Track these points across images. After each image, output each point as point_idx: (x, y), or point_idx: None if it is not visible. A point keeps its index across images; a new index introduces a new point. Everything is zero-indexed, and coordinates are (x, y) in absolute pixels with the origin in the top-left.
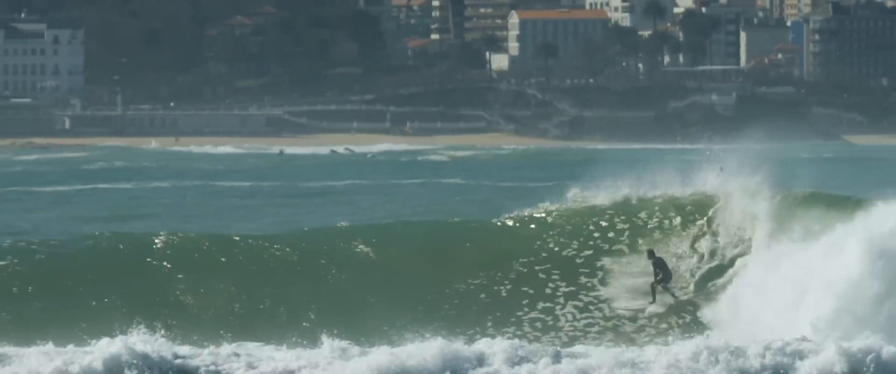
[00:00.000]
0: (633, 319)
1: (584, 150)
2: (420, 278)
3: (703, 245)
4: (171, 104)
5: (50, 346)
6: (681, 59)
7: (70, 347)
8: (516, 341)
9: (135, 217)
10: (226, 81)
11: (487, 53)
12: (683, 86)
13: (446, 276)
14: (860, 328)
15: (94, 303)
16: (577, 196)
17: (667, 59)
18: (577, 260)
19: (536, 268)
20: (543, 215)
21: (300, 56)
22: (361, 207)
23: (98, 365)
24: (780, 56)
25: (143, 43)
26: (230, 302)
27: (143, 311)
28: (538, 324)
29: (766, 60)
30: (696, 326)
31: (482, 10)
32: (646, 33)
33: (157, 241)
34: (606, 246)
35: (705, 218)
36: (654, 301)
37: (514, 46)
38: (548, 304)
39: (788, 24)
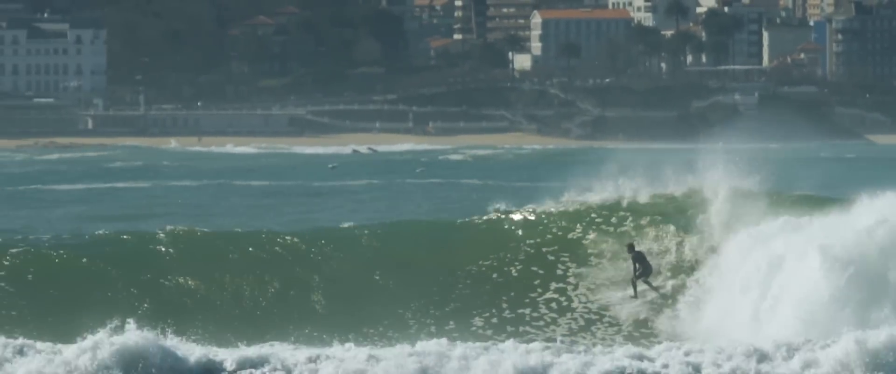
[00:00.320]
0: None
1: (605, 150)
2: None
3: (674, 246)
4: (198, 104)
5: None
6: (703, 58)
7: (79, 341)
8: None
9: (145, 216)
10: (248, 81)
11: (510, 53)
12: (706, 86)
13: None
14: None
15: (98, 297)
16: (566, 197)
17: (689, 58)
18: (549, 258)
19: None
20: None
21: (323, 56)
22: (365, 205)
23: (106, 359)
24: (802, 56)
25: (166, 43)
26: (231, 299)
27: (142, 307)
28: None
29: (789, 60)
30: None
31: (505, 10)
32: (668, 33)
33: (160, 237)
34: (580, 245)
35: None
36: (635, 296)
37: (536, 46)
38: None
39: (811, 23)
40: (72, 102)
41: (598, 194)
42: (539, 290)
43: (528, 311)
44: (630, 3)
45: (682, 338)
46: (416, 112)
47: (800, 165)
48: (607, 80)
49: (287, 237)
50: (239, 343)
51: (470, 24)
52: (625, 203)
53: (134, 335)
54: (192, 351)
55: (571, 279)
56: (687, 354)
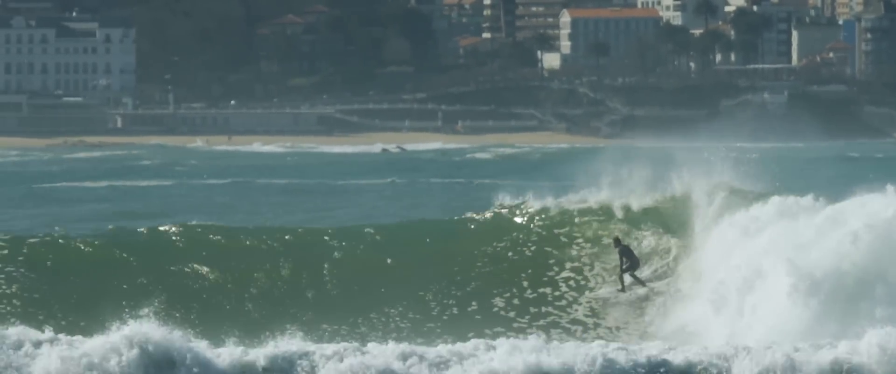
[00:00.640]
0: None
1: (633, 148)
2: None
3: (660, 242)
4: (232, 103)
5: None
6: (732, 57)
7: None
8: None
9: (164, 214)
10: (277, 80)
11: (539, 52)
12: (735, 84)
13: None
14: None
15: (115, 291)
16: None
17: (718, 57)
18: (528, 254)
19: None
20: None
21: (352, 55)
22: (378, 204)
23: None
24: (831, 55)
25: (195, 42)
26: (248, 295)
27: (159, 302)
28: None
29: (818, 59)
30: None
31: (534, 9)
32: (697, 32)
33: (171, 232)
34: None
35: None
36: (622, 289)
37: (565, 45)
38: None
39: (840, 22)
40: (101, 101)
41: (595, 193)
42: (527, 284)
43: (516, 304)
44: (659, 2)
45: (668, 333)
46: (446, 111)
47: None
48: (636, 79)
49: (298, 232)
50: (268, 341)
51: (499, 22)
52: (620, 202)
53: (157, 332)
54: (220, 350)
55: (561, 274)
56: (671, 349)
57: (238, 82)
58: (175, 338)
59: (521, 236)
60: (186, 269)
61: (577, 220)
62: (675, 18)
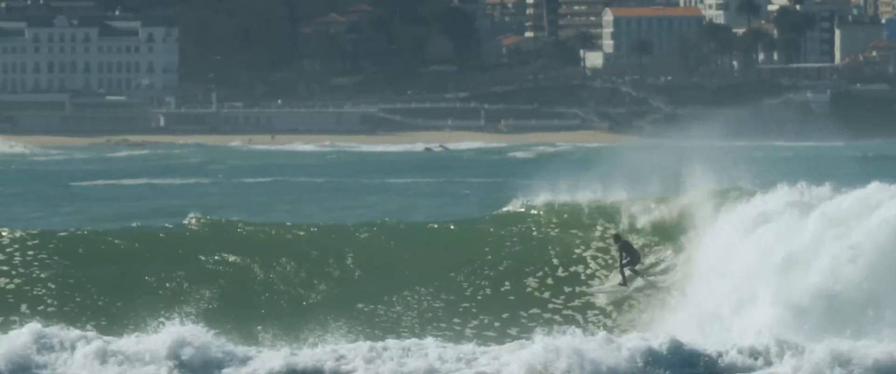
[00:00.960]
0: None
1: (672, 147)
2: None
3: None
4: (278, 101)
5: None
6: (775, 56)
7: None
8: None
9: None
10: (320, 79)
11: (581, 51)
12: (778, 83)
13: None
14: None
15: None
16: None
17: (761, 56)
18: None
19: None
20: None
21: (395, 54)
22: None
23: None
24: (874, 54)
25: (238, 41)
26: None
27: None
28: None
29: (861, 58)
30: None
31: (576, 8)
32: (740, 31)
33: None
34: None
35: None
36: (624, 284)
37: (608, 44)
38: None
39: (883, 21)
40: (144, 100)
41: (610, 191)
42: (528, 281)
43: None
44: (702, 1)
45: (668, 327)
46: (488, 110)
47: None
48: (679, 78)
49: (312, 229)
50: (309, 340)
51: (542, 21)
52: (629, 199)
53: (196, 334)
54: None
55: (561, 272)
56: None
57: (281, 81)
58: (213, 340)
59: (528, 233)
60: (216, 264)
61: (585, 217)
62: (718, 17)
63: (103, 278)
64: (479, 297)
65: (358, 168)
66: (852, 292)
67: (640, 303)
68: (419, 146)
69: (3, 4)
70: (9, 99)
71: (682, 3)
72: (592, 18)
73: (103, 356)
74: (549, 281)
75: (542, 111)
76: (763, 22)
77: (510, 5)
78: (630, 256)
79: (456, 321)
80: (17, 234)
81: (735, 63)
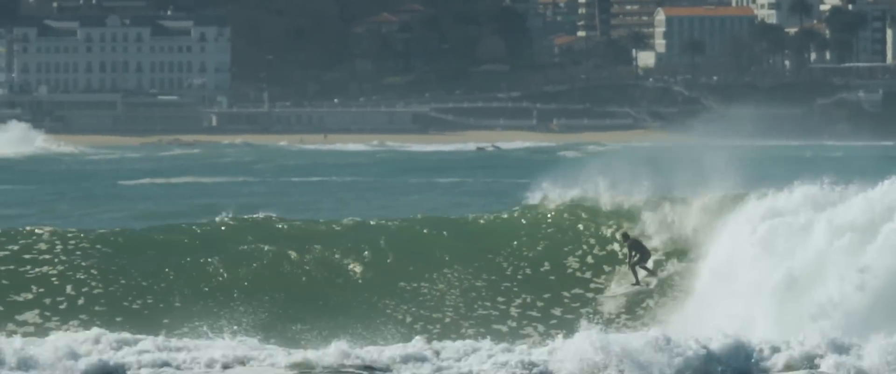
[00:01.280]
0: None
1: (718, 147)
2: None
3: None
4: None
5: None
6: (827, 56)
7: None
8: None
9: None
10: (372, 78)
11: (634, 50)
12: (830, 83)
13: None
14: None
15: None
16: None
17: (813, 56)
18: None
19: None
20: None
21: (446, 53)
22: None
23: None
24: None
25: (290, 40)
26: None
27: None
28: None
29: None
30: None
31: (628, 8)
32: (792, 30)
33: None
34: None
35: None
36: (637, 282)
37: (660, 43)
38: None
39: None
40: (196, 99)
41: (634, 190)
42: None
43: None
44: (754, 1)
45: (685, 324)
46: (541, 109)
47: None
48: (731, 77)
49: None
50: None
51: (594, 21)
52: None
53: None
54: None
55: (576, 272)
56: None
57: (332, 81)
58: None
59: (540, 232)
60: (251, 260)
61: (602, 216)
62: (770, 17)
63: (135, 275)
64: (519, 277)
65: (406, 167)
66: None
67: (660, 301)
68: (470, 146)
69: (56, 4)
70: (61, 99)
71: (734, 3)
72: (645, 18)
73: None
74: (589, 260)
75: (594, 111)
76: (815, 21)
77: (562, 5)
78: (640, 253)
79: (500, 299)
80: (60, 231)
81: (787, 63)
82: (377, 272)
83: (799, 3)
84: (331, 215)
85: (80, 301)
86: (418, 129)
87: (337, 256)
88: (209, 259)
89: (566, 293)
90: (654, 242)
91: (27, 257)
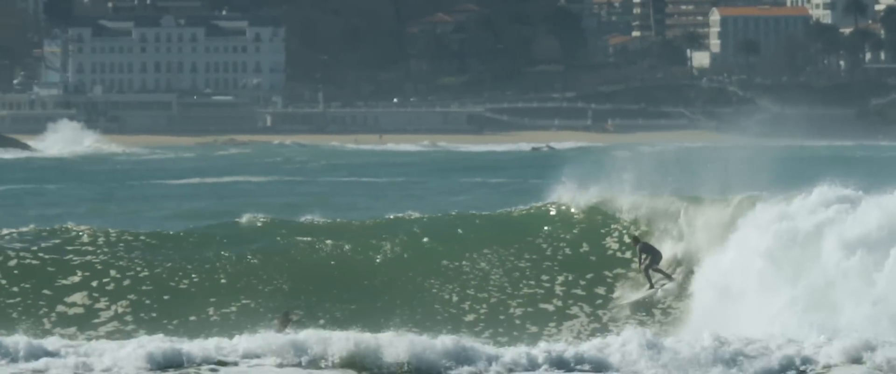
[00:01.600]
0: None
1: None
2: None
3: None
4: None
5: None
6: (882, 56)
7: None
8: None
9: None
10: (427, 79)
11: (688, 51)
12: (885, 83)
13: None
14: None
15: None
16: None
17: (868, 56)
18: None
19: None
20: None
21: (501, 53)
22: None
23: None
24: None
25: (345, 40)
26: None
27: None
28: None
29: None
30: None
31: (683, 8)
32: (847, 30)
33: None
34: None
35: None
36: (651, 286)
37: (715, 43)
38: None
39: None
40: (250, 99)
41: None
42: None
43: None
44: (808, 1)
45: (698, 326)
46: (595, 110)
47: None
48: (786, 77)
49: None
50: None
51: (649, 21)
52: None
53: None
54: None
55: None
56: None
57: (387, 81)
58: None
59: (573, 218)
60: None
61: (621, 216)
62: (825, 17)
63: (171, 274)
64: (559, 257)
65: (457, 167)
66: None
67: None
68: (522, 146)
69: (111, 5)
70: (115, 99)
71: (788, 3)
72: (699, 18)
73: None
74: (626, 239)
75: (648, 111)
76: (870, 22)
77: (617, 5)
78: (651, 256)
79: (544, 278)
80: (101, 230)
81: (842, 63)
82: (416, 255)
83: (854, 3)
84: (374, 214)
85: (121, 299)
86: (473, 129)
87: (373, 242)
88: (248, 257)
89: (607, 273)
90: (668, 247)
91: (66, 256)
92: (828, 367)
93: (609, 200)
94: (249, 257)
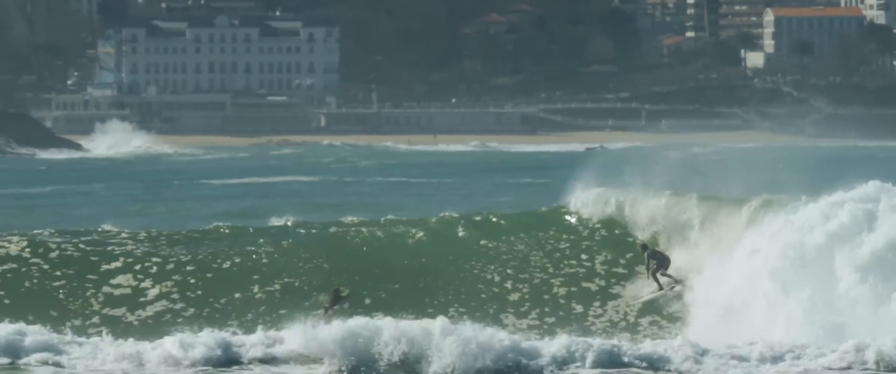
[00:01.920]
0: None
1: (827, 148)
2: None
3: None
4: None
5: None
6: None
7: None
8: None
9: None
10: (481, 79)
11: (742, 51)
12: None
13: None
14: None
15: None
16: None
17: None
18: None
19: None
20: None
21: (555, 54)
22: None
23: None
24: None
25: (399, 41)
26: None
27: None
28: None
29: None
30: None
31: (737, 8)
32: None
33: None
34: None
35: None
36: (661, 289)
37: (769, 44)
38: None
39: None
40: (305, 100)
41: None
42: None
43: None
44: (862, 1)
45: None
46: (649, 110)
47: None
48: (840, 78)
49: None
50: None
51: (702, 21)
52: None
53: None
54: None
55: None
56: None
57: (441, 82)
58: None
59: (572, 233)
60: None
61: (629, 217)
62: (879, 17)
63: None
64: (597, 237)
65: (508, 167)
66: None
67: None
68: (575, 146)
69: (164, 5)
70: (170, 99)
71: (843, 3)
72: (753, 18)
73: None
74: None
75: (703, 111)
76: None
77: (671, 5)
78: (658, 261)
79: (584, 257)
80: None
81: (895, 64)
82: (452, 240)
83: None
84: (412, 214)
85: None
86: (527, 129)
87: (412, 230)
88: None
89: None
90: (677, 250)
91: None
92: None
93: (631, 200)
94: (290, 240)
